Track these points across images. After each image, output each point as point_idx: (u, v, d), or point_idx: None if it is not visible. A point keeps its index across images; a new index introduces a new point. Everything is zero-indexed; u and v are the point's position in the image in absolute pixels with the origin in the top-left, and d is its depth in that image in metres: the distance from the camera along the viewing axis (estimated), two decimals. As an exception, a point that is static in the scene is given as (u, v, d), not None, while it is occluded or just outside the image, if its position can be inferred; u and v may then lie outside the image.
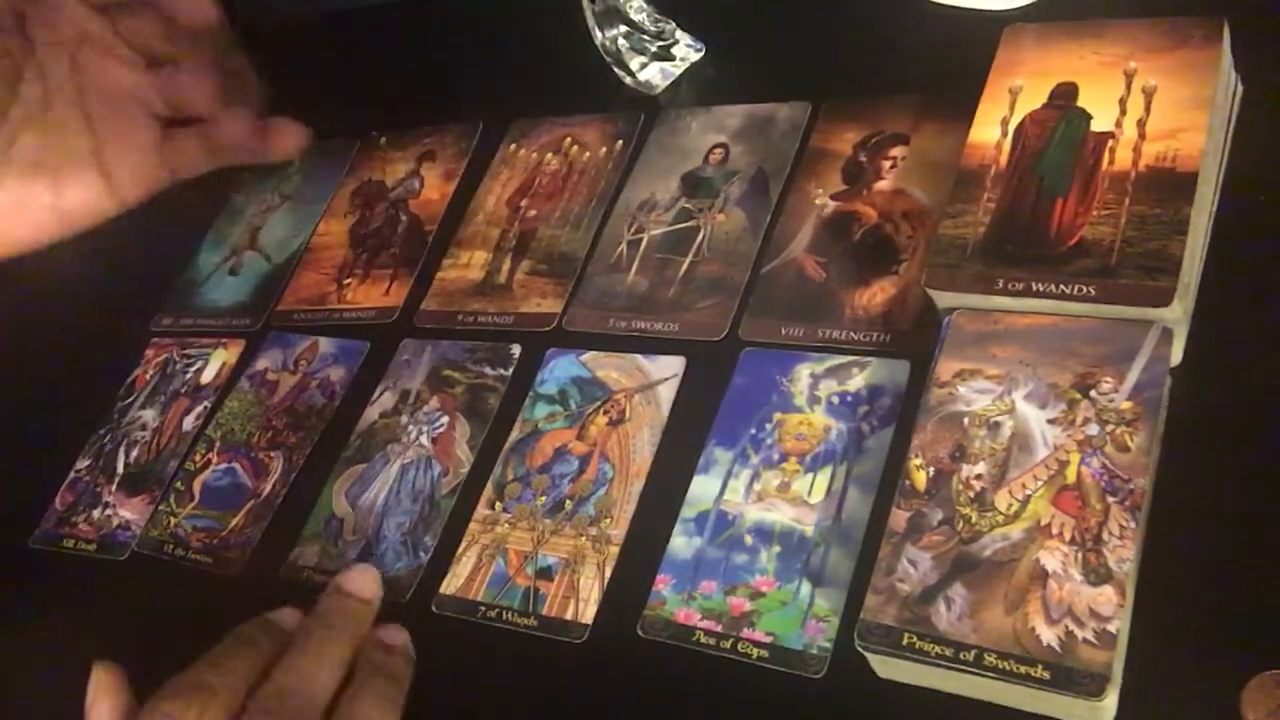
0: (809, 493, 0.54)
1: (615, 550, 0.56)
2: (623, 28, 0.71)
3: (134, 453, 0.73)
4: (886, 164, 0.63)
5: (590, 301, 0.66)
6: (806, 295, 0.61)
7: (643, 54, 0.72)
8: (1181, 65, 0.53)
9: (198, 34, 0.52)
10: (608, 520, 0.57)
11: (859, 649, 0.46)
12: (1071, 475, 0.46)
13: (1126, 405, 0.47)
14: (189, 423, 0.73)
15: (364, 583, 0.50)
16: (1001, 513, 0.46)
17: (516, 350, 0.66)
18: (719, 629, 0.52)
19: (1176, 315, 0.48)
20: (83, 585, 0.69)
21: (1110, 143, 0.52)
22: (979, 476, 0.48)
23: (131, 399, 0.77)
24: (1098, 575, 0.44)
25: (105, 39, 0.51)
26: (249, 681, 0.46)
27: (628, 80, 0.73)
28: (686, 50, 0.73)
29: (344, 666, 0.47)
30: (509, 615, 0.56)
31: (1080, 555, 0.44)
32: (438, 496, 0.62)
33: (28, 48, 0.49)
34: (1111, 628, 0.43)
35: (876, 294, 0.59)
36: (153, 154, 0.52)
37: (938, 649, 0.44)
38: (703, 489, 0.56)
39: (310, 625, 0.49)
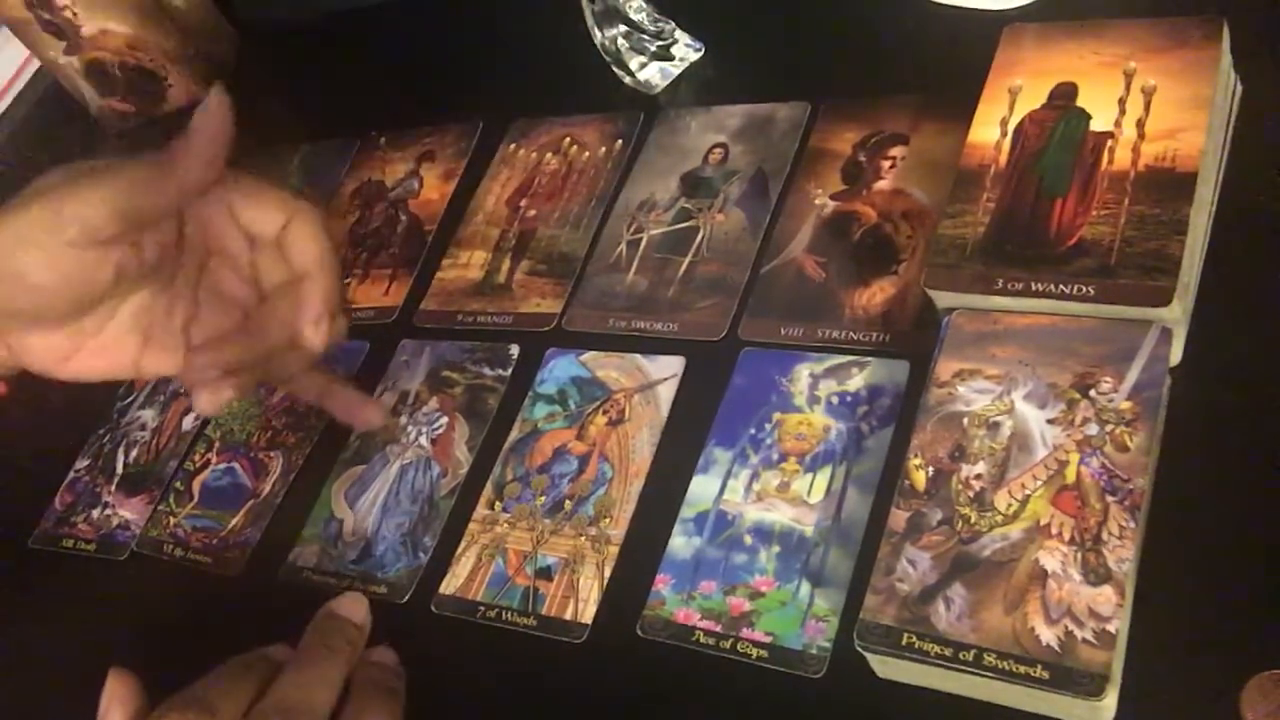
0: (808, 493, 0.54)
1: (615, 550, 0.56)
2: (622, 27, 0.71)
3: (133, 453, 0.73)
4: (886, 164, 0.63)
5: (590, 301, 0.66)
6: (806, 295, 0.61)
7: (642, 54, 0.72)
8: (1181, 65, 0.53)
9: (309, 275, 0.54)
10: (607, 520, 0.57)
11: (858, 649, 0.46)
12: (1071, 475, 0.46)
13: (1126, 405, 0.47)
14: (188, 423, 0.73)
15: (355, 608, 0.51)
16: (1001, 513, 0.46)
17: (515, 350, 0.66)
18: (718, 629, 0.52)
19: (1176, 315, 0.48)
20: (82, 585, 0.69)
21: (1109, 143, 0.52)
22: (978, 476, 0.48)
23: (131, 399, 0.77)
24: (1097, 575, 0.44)
25: (241, 267, 0.53)
26: (249, 700, 0.46)
27: (627, 80, 0.73)
28: (686, 50, 0.73)
29: (340, 687, 0.47)
30: (508, 615, 0.56)
31: (1080, 555, 0.44)
32: (437, 497, 0.62)
33: (182, 250, 0.52)
34: (1111, 628, 0.42)
35: (876, 294, 0.59)
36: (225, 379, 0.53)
37: (937, 649, 0.44)
38: (702, 489, 0.56)
39: (306, 645, 0.49)
